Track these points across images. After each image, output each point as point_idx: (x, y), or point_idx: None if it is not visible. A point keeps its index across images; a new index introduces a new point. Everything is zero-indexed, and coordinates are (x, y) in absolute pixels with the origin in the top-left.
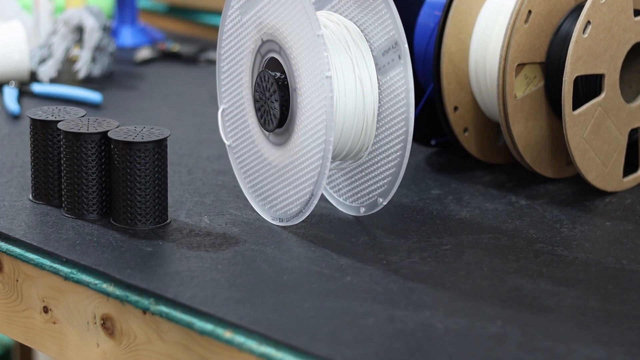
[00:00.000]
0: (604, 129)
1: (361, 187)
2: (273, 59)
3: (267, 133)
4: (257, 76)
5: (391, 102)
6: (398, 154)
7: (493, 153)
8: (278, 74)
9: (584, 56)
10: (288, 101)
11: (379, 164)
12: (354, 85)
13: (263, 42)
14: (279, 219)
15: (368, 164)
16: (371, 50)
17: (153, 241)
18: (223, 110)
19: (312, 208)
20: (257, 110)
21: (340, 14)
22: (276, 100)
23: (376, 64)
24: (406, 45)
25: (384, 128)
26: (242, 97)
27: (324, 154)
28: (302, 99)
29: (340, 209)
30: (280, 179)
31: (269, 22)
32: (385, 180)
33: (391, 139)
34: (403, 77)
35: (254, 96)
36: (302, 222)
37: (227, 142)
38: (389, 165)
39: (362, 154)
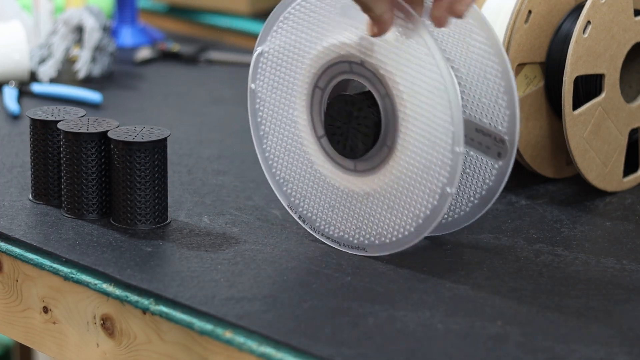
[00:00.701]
0: (604, 129)
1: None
2: (354, 83)
3: (321, 138)
4: (340, 96)
5: (473, 174)
6: (468, 209)
7: None
8: (368, 101)
9: (584, 56)
10: (377, 139)
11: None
12: None
13: (359, 63)
14: (336, 240)
15: None
16: None
17: (153, 241)
18: (262, 53)
19: (400, 249)
20: (328, 127)
21: None
22: (365, 134)
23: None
24: (515, 150)
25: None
26: (297, 71)
27: (437, 208)
28: (409, 148)
29: None
30: (346, 204)
31: (380, 57)
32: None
33: (467, 197)
34: (498, 175)
35: (325, 111)
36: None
37: (252, 85)
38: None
39: None
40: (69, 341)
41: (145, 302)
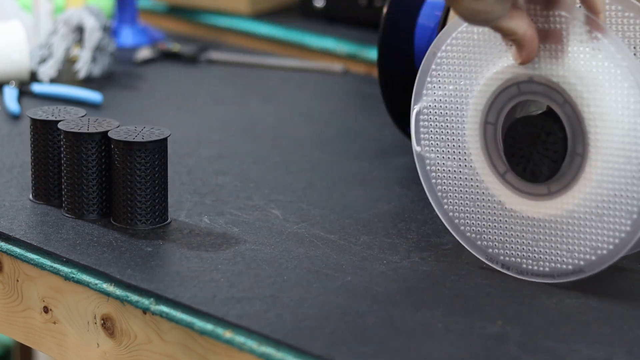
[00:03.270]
0: None
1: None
2: (529, 103)
3: (505, 174)
4: (520, 120)
5: None
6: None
7: None
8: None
9: None
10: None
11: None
12: None
13: (527, 81)
14: (549, 275)
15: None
16: None
17: (153, 241)
18: (420, 111)
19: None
20: (510, 155)
21: None
22: (552, 160)
23: None
24: None
25: None
26: (462, 116)
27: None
28: (602, 150)
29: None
30: (549, 232)
31: (547, 65)
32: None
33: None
34: None
35: (504, 139)
36: (302, 222)
37: (417, 149)
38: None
39: None
40: (69, 341)
41: (145, 302)
